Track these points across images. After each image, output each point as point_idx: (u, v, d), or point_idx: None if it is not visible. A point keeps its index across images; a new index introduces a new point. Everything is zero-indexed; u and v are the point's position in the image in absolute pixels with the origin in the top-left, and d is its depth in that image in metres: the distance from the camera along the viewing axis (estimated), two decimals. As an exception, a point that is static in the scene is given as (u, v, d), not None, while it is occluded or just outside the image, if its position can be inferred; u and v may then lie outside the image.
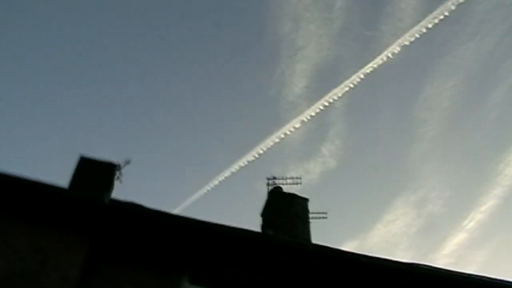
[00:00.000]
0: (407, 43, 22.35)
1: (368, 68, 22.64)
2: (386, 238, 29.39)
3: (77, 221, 6.55)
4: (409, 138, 31.83)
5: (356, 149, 31.07)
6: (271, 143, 20.81)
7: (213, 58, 33.14)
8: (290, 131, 21.63)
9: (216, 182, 19.45)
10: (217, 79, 33.43)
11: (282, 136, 21.27)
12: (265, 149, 20.49)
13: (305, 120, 22.11)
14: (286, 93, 29.54)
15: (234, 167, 19.78)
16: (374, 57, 23.13)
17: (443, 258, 27.56)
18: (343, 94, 22.86)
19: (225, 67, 32.82)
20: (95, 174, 7.43)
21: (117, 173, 7.49)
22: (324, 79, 32.36)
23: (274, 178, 10.80)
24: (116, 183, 7.79)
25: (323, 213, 10.23)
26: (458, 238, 28.46)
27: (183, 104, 31.88)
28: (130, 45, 31.46)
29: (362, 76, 22.67)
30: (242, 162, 19.94)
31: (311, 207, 10.19)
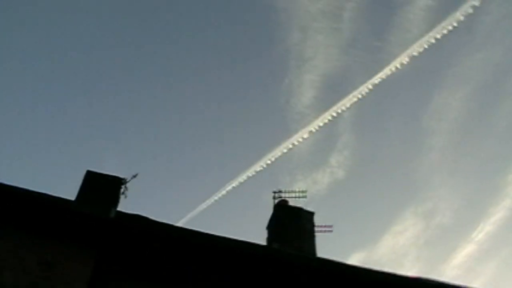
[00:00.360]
0: (415, 53, 22.30)
1: (376, 79, 22.61)
2: (394, 249, 29.24)
3: (83, 235, 6.62)
4: (417, 149, 31.66)
5: (364, 159, 30.93)
6: (279, 153, 20.76)
7: (221, 68, 33.17)
8: (298, 141, 21.57)
9: (223, 192, 19.46)
10: (225, 89, 33.51)
11: (290, 146, 21.21)
12: (273, 159, 20.45)
13: (314, 130, 22.07)
14: (294, 103, 29.54)
15: (242, 177, 19.78)
16: (382, 68, 23.10)
17: (452, 270, 27.37)
18: (352, 105, 22.82)
19: (233, 77, 32.87)
20: (102, 188, 7.52)
21: (123, 187, 7.58)
22: (333, 89, 32.36)
23: (280, 191, 10.86)
24: (126, 195, 7.87)
25: (329, 226, 10.27)
26: (467, 250, 28.25)
27: (190, 114, 31.93)
28: (138, 56, 31.71)
29: (370, 86, 22.62)
30: (250, 172, 19.90)
31: (318, 218, 10.24)
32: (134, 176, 7.66)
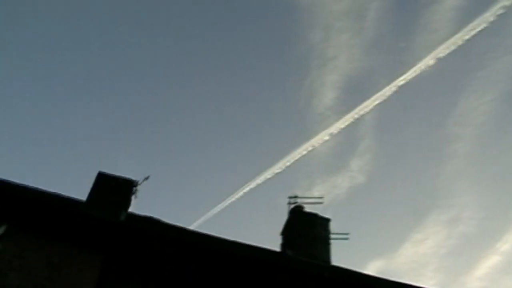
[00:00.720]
0: (442, 55, 21.62)
1: (400, 81, 22.01)
2: (415, 259, 28.50)
3: (92, 238, 6.54)
4: (441, 155, 30.79)
5: (385, 164, 30.22)
6: (298, 156, 20.36)
7: (241, 67, 32.68)
8: (318, 144, 21.15)
9: (240, 194, 19.17)
10: (244, 89, 32.99)
11: (310, 148, 20.76)
12: (291, 161, 20.10)
13: (334, 132, 21.62)
14: (315, 104, 28.98)
15: (259, 179, 19.45)
16: (407, 70, 22.44)
17: (475, 281, 26.58)
18: (374, 107, 22.26)
19: (253, 77, 32.40)
20: (113, 190, 7.45)
21: (134, 189, 7.48)
22: (355, 91, 31.60)
23: (296, 196, 10.66)
24: (139, 197, 7.78)
25: (344, 234, 10.03)
26: (491, 261, 27.43)
27: (207, 114, 31.63)
28: (154, 55, 31.50)
29: (394, 88, 22.00)
30: (268, 174, 19.56)
31: (336, 224, 10.03)
32: (146, 178, 7.57)
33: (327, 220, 9.94)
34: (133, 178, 7.68)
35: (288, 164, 19.87)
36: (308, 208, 10.40)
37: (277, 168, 19.63)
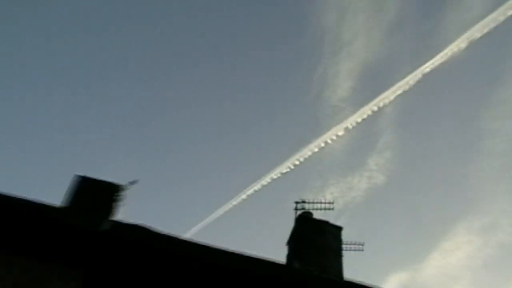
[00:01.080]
0: (475, 37, 19.93)
1: (426, 67, 20.39)
2: (444, 271, 26.30)
3: (69, 251, 5.97)
4: (474, 152, 28.32)
5: (409, 163, 28.13)
6: (309, 153, 19.11)
7: (243, 53, 30.59)
8: (332, 140, 19.90)
9: (243, 196, 18.00)
10: (248, 77, 30.91)
11: (322, 145, 19.59)
12: (301, 160, 18.87)
13: (350, 127, 20.28)
14: (328, 96, 27.03)
15: (264, 180, 18.26)
16: (434, 55, 20.72)
17: (515, 298, 24.55)
18: (396, 98, 20.63)
19: (258, 64, 30.28)
20: (95, 196, 6.71)
21: (121, 194, 6.71)
22: (373, 80, 29.51)
23: (304, 201, 9.91)
24: (127, 203, 7.07)
25: (359, 244, 9.24)
26: (534, 274, 25.27)
27: (205, 108, 29.58)
28: (141, 51, 30.02)
29: (418, 77, 20.41)
30: (274, 174, 18.33)
31: (352, 231, 9.31)
32: (133, 183, 6.80)
33: (339, 229, 9.15)
34: (120, 182, 6.90)
35: (297, 163, 18.63)
36: (318, 215, 9.62)
37: (285, 167, 18.42)
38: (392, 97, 20.05)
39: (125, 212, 6.96)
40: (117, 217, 6.63)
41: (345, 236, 9.03)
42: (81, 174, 6.83)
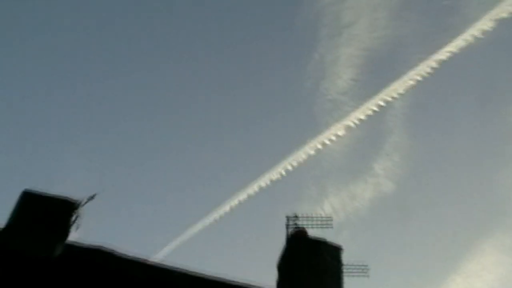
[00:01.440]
0: (503, 15, 17.95)
1: (442, 53, 18.51)
2: None
3: (17, 280, 5.27)
4: (502, 155, 24.85)
5: (422, 167, 24.33)
6: (304, 156, 17.50)
7: (227, 38, 26.64)
8: (331, 141, 18.33)
9: (226, 209, 16.58)
10: (232, 68, 27.03)
11: (320, 147, 18.02)
12: (294, 164, 17.36)
13: (352, 125, 18.59)
14: (325, 88, 23.71)
15: (251, 189, 16.79)
16: (452, 38, 18.57)
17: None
18: (406, 90, 18.69)
19: (243, 51, 26.58)
20: (46, 214, 5.87)
21: (78, 212, 5.83)
22: (379, 69, 25.58)
23: (296, 216, 8.97)
24: (89, 222, 6.23)
25: (362, 266, 8.28)
26: None
27: (185, 104, 26.04)
28: (89, 50, 27.39)
29: (433, 65, 18.49)
30: (263, 181, 16.88)
31: (355, 250, 8.32)
32: (92, 198, 5.94)
33: (338, 249, 8.24)
34: (76, 197, 6.06)
35: (289, 168, 17.12)
36: (314, 231, 8.65)
37: (275, 173, 16.98)
38: (401, 90, 18.35)
39: (83, 233, 6.17)
40: (73, 239, 5.92)
41: (346, 256, 8.10)
42: (30, 189, 6.00)
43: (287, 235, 9.01)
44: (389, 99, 18.16)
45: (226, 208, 15.86)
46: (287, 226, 8.82)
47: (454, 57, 18.37)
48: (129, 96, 25.83)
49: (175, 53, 26.58)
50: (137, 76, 25.43)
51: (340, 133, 18.88)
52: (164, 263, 6.08)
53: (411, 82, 17.86)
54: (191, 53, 26.29)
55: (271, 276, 8.32)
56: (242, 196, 15.87)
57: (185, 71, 26.99)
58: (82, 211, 5.87)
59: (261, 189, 16.13)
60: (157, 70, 25.95)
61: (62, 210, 5.91)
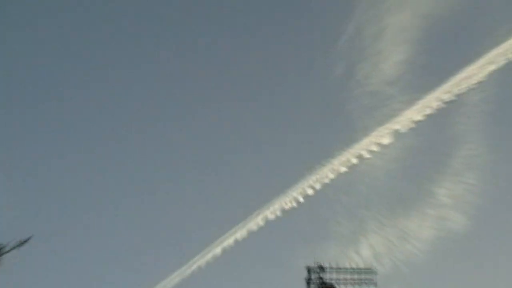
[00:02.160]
0: None
1: None
2: None
3: None
4: None
5: (509, 192, 14.68)
6: (331, 176, 9.51)
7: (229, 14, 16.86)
8: (371, 152, 10.39)
9: (216, 250, 9.81)
10: (234, 50, 16.04)
11: (355, 161, 10.12)
12: (317, 187, 9.60)
13: (403, 130, 10.49)
14: (364, 76, 12.40)
15: (253, 223, 9.72)
16: None
17: None
18: (486, 78, 10.56)
19: (248, 26, 16.39)
20: None
21: (3, 258, 5.38)
22: (445, 46, 14.21)
23: (321, 268, 6.01)
24: (19, 273, 5.90)
25: None
26: None
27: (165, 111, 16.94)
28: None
29: None
30: (270, 212, 9.45)
31: None
32: (24, 242, 4.72)
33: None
34: (3, 240, 4.95)
35: (309, 193, 9.99)
36: (347, 286, 6.33)
37: (288, 199, 9.15)
38: (479, 77, 10.99)
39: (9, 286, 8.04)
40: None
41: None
42: None
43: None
44: (460, 91, 12.17)
45: (217, 249, 10.01)
46: (308, 282, 5.85)
47: None
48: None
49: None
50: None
51: (385, 141, 11.46)
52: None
53: (494, 67, 12.31)
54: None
55: None
56: (240, 234, 9.29)
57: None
58: (10, 257, 6.09)
59: (267, 222, 9.00)
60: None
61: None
